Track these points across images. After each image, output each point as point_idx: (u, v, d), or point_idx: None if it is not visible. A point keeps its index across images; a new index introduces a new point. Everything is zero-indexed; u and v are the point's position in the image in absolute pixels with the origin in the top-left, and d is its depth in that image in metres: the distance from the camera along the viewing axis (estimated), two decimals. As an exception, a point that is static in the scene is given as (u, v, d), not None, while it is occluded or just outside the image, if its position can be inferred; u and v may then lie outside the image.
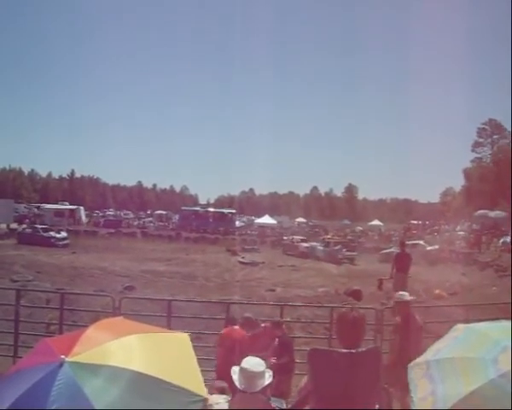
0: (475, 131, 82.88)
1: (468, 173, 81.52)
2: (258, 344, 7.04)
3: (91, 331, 3.22)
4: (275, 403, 4.30)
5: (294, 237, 48.56)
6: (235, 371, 4.17)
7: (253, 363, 4.14)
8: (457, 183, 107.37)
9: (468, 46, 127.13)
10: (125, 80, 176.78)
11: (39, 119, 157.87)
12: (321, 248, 40.28)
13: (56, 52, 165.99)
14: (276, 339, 7.44)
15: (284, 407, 4.44)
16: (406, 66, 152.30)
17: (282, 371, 6.95)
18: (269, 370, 4.23)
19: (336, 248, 39.14)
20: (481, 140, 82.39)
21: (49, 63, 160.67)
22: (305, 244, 43.14)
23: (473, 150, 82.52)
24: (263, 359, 4.39)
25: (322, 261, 36.14)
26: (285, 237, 49.80)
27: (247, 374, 4.05)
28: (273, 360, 6.83)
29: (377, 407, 3.91)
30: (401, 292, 7.84)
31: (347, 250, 39.33)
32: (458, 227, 59.04)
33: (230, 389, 4.45)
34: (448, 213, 79.68)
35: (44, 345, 3.28)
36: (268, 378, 4.14)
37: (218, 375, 6.56)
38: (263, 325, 7.85)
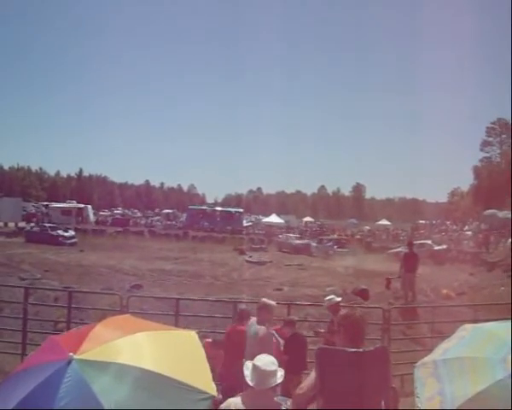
0: (484, 131, 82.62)
1: (477, 171, 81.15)
2: (267, 343, 7.01)
3: (99, 329, 3.22)
4: (283, 402, 4.32)
5: (289, 234, 50.75)
6: (247, 367, 4.22)
7: (266, 361, 4.22)
8: (465, 183, 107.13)
9: (476, 47, 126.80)
10: (133, 79, 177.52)
11: (47, 118, 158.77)
12: (314, 244, 43.51)
13: (63, 51, 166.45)
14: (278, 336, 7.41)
15: (289, 405, 4.46)
16: (414, 66, 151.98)
17: (292, 370, 6.93)
18: (281, 369, 4.29)
19: (328, 244, 43.22)
20: (490, 139, 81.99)
21: (57, 62, 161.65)
22: (298, 241, 45.13)
23: (481, 149, 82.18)
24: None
25: (315, 257, 38.38)
26: (280, 236, 51.35)
27: (259, 372, 4.11)
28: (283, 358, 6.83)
29: (383, 405, 3.90)
30: (331, 296, 8.70)
31: (338, 247, 42.74)
32: (466, 227, 58.80)
33: (239, 384, 4.49)
34: (456, 213, 79.41)
35: (52, 342, 3.29)
36: (280, 378, 4.20)
37: (224, 372, 6.55)
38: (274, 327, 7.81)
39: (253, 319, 6.86)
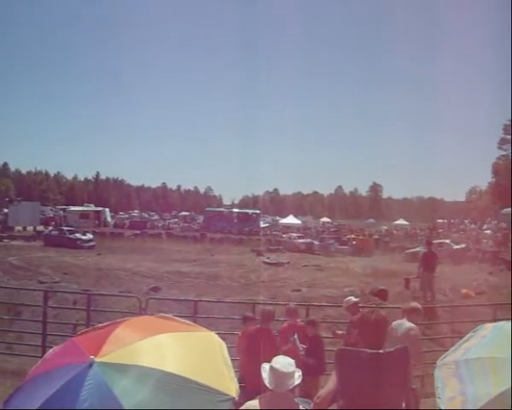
0: (501, 128, 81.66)
1: (496, 168, 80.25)
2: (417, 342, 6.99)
3: (120, 331, 3.23)
4: (302, 404, 4.29)
5: (292, 234, 52.30)
6: (265, 369, 4.19)
7: (283, 363, 4.17)
8: (483, 181, 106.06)
9: (493, 44, 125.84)
10: (149, 82, 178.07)
11: (64, 122, 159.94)
12: (317, 243, 45.03)
13: (80, 55, 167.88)
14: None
15: (311, 407, 4.43)
16: (429, 65, 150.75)
17: (311, 372, 6.90)
18: (298, 370, 4.25)
19: (329, 242, 45.13)
20: (508, 137, 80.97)
21: (73, 65, 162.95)
22: (301, 240, 46.51)
23: (499, 147, 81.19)
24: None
25: (318, 254, 39.56)
26: (284, 236, 52.96)
27: (277, 374, 4.07)
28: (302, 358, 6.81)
29: (404, 406, 3.88)
30: (349, 297, 8.72)
31: (340, 245, 44.93)
32: (485, 225, 58.32)
33: (257, 387, 4.48)
34: (474, 212, 78.78)
35: (72, 345, 3.30)
36: (297, 379, 4.16)
37: (246, 374, 6.53)
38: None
39: (400, 320, 7.06)
